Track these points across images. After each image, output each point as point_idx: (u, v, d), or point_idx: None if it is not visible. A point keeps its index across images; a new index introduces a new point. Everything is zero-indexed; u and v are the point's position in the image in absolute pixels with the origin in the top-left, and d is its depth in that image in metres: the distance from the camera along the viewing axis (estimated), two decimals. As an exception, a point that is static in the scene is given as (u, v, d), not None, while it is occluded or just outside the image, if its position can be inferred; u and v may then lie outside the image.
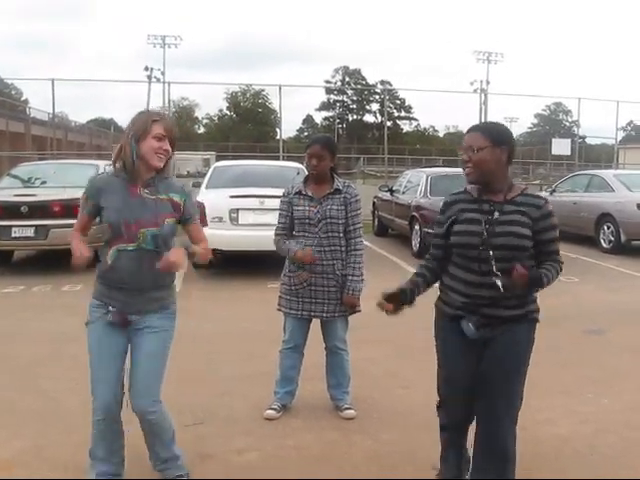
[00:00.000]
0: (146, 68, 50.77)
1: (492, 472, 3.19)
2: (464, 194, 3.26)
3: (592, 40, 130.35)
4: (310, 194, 4.43)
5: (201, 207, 9.64)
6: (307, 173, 4.60)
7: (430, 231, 10.84)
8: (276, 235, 4.57)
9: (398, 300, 3.31)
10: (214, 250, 9.65)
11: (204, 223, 9.53)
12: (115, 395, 3.34)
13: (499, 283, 3.02)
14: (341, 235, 4.43)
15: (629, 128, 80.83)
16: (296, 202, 4.44)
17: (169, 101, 26.48)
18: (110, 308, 3.29)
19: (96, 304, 3.37)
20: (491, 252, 3.04)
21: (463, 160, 3.12)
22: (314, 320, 4.58)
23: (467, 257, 3.13)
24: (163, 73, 51.29)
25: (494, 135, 3.08)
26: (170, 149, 3.21)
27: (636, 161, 30.24)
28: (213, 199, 9.77)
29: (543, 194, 16.38)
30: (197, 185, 11.24)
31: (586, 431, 4.39)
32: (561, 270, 3.20)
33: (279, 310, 4.60)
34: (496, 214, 3.09)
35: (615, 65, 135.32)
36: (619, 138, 31.37)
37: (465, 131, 3.23)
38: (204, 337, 6.55)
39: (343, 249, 4.45)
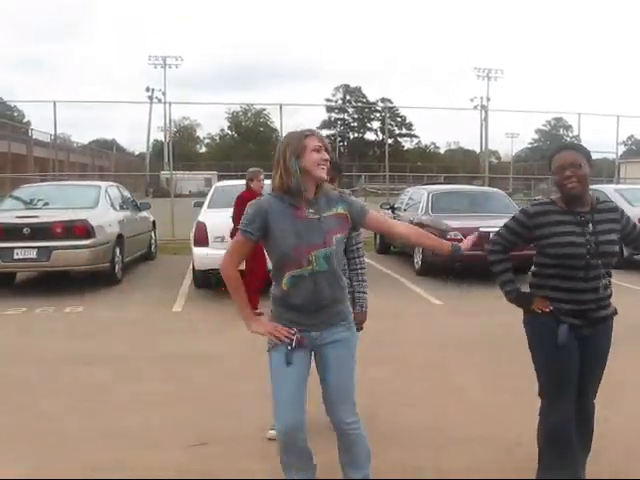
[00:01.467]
0: (147, 89, 51.31)
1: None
2: (552, 205, 3.48)
3: (592, 55, 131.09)
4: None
5: (203, 227, 9.66)
6: None
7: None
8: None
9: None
10: (217, 270, 9.67)
11: (206, 243, 9.54)
12: (298, 417, 3.32)
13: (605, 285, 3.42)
14: (344, 253, 4.41)
15: (630, 142, 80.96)
16: None
17: (170, 121, 26.71)
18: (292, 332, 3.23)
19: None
20: (598, 260, 3.36)
21: (566, 176, 3.33)
22: None
23: (571, 267, 3.37)
24: (164, 93, 51.83)
25: (587, 154, 3.42)
26: (328, 158, 3.20)
27: (637, 175, 30.27)
28: (215, 219, 9.79)
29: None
30: (199, 205, 11.27)
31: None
32: None
33: None
34: (590, 225, 3.39)
35: (615, 80, 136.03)
36: (620, 152, 31.37)
37: (556, 150, 3.48)
38: (207, 357, 6.53)
39: (345, 267, 4.42)
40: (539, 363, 3.54)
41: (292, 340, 3.20)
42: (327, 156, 3.17)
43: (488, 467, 3.92)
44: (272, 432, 4.52)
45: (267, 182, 8.68)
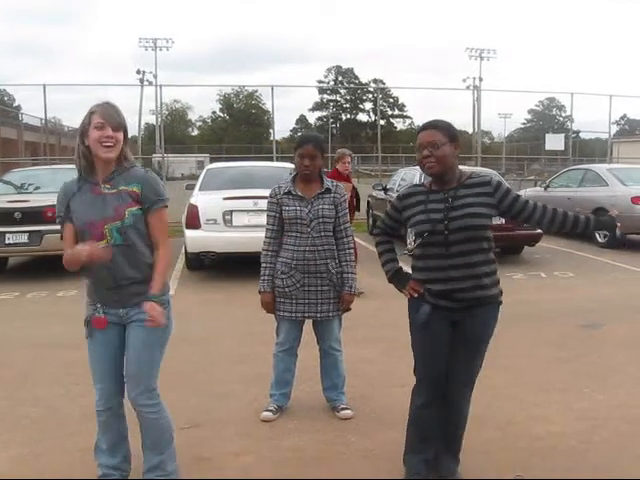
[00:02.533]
0: (138, 71, 50.71)
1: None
2: (419, 187, 3.49)
3: (584, 35, 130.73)
4: (300, 194, 4.40)
5: (195, 209, 9.64)
6: (295, 173, 4.55)
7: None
8: (265, 243, 4.51)
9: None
10: (209, 252, 9.71)
11: (198, 225, 9.53)
12: (111, 387, 3.39)
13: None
14: (332, 234, 4.43)
15: (622, 122, 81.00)
16: (286, 202, 4.40)
17: (161, 104, 26.53)
18: (97, 306, 3.32)
19: (87, 302, 3.41)
20: (460, 235, 3.28)
21: (424, 156, 3.29)
22: (307, 321, 4.57)
23: (432, 244, 3.33)
24: (155, 76, 51.33)
25: (449, 131, 3.33)
26: (114, 135, 3.12)
27: (630, 155, 30.28)
28: (207, 201, 9.78)
29: (538, 189, 16.41)
30: (191, 187, 11.24)
31: (581, 427, 4.38)
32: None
33: (279, 314, 4.57)
34: (450, 200, 3.32)
35: (607, 59, 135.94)
36: (613, 132, 31.42)
37: (419, 129, 3.42)
38: (199, 339, 6.54)
39: (334, 247, 4.44)
40: (411, 344, 3.55)
41: (97, 309, 3.34)
42: (110, 133, 3.11)
43: (478, 445, 3.94)
44: (266, 414, 4.55)
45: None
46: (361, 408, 4.67)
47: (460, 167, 3.48)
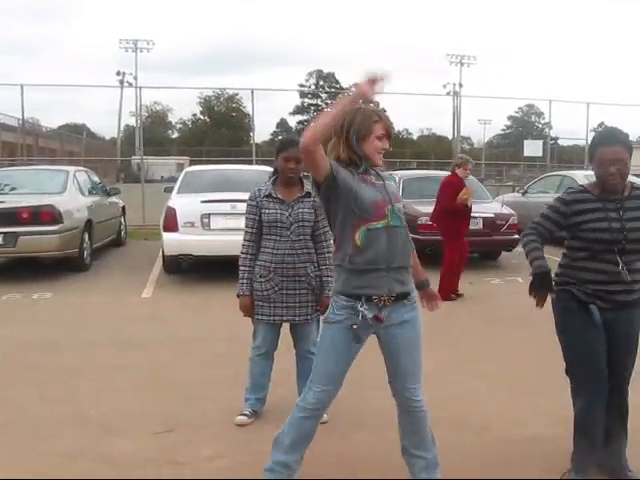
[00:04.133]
0: (118, 73, 50.56)
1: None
2: (586, 193, 3.56)
3: (563, 42, 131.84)
4: (281, 197, 4.38)
5: (172, 212, 9.59)
6: (275, 176, 4.52)
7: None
8: (244, 246, 4.47)
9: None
10: (186, 255, 9.66)
11: (176, 228, 9.48)
12: (335, 389, 3.38)
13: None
14: (310, 238, 4.41)
15: (600, 129, 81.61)
16: (266, 205, 4.37)
17: (141, 106, 26.39)
18: (359, 307, 3.20)
19: (344, 303, 3.26)
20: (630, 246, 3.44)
21: (611, 173, 3.41)
22: (283, 325, 4.55)
23: (606, 251, 3.45)
24: (135, 78, 51.21)
25: (630, 147, 3.46)
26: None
27: (607, 162, 30.32)
28: (184, 204, 9.74)
29: (516, 195, 16.50)
30: (169, 190, 11.18)
31: (558, 431, 4.39)
32: None
33: (249, 317, 4.56)
34: (621, 212, 3.46)
35: (585, 67, 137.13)
36: (590, 139, 31.65)
37: (601, 140, 3.50)
38: (175, 343, 6.49)
39: (312, 251, 4.43)
40: (564, 344, 3.72)
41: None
42: (387, 145, 3.28)
43: (454, 450, 3.93)
44: (240, 418, 4.52)
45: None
46: (337, 412, 4.63)
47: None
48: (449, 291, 8.59)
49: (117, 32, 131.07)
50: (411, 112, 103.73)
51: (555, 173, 16.81)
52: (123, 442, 4.22)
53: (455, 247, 8.80)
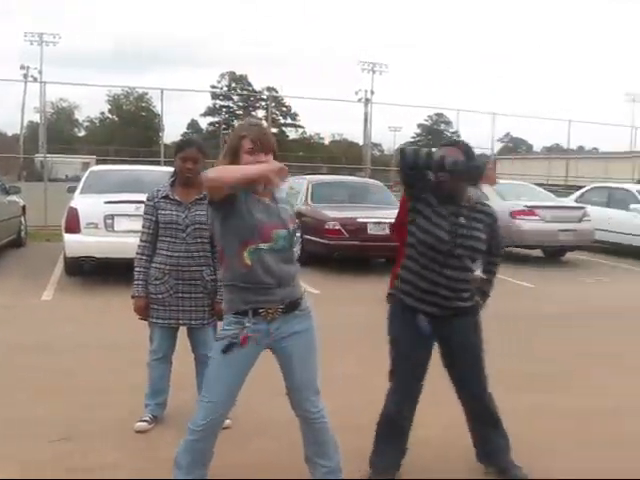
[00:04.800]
0: (22, 67, 48.92)
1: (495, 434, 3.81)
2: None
3: (469, 53, 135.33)
4: (178, 199, 4.32)
5: (74, 212, 9.32)
6: (174, 177, 4.44)
7: (312, 239, 10.90)
8: (139, 246, 4.40)
9: None
10: (89, 257, 9.39)
11: (78, 229, 9.21)
12: (227, 405, 3.32)
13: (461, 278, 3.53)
14: (208, 241, 4.35)
15: (506, 139, 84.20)
16: (162, 206, 4.30)
17: (45, 102, 25.58)
18: (245, 322, 3.18)
19: (231, 320, 3.23)
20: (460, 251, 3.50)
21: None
22: (181, 328, 4.49)
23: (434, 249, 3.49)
24: (40, 72, 49.62)
25: (470, 152, 3.56)
26: (266, 159, 3.15)
27: (511, 172, 31.45)
28: (87, 204, 9.47)
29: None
30: (72, 190, 10.86)
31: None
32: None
33: (144, 320, 4.47)
34: (461, 218, 3.54)
35: (491, 78, 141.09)
36: (497, 149, 32.62)
37: (442, 145, 3.65)
38: (74, 346, 6.31)
39: (209, 255, 4.37)
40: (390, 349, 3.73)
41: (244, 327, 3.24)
42: (262, 158, 3.14)
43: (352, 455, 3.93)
44: (140, 424, 4.42)
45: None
46: (235, 417, 4.59)
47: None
48: None
49: (21, 24, 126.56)
50: (323, 117, 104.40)
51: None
52: (17, 451, 4.05)
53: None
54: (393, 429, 3.73)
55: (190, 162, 4.28)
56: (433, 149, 3.52)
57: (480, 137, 31.29)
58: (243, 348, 3.19)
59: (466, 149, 3.57)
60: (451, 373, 3.76)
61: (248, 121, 3.35)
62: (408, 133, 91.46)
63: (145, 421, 4.45)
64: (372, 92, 55.57)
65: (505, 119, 27.16)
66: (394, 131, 69.55)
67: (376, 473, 3.71)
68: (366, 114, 27.95)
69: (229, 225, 3.15)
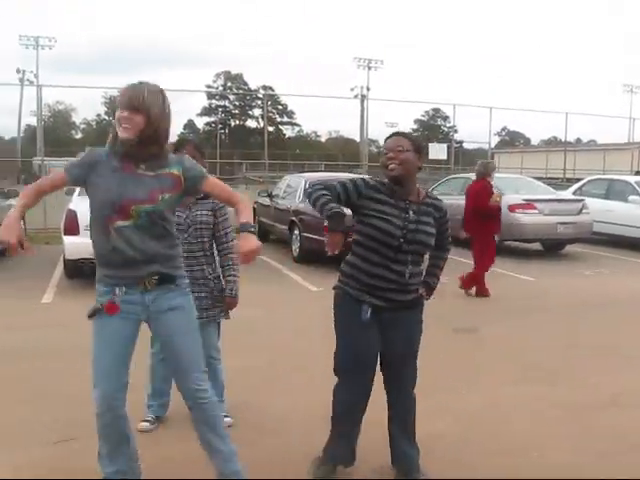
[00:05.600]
0: (18, 70, 48.83)
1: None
2: (381, 185, 3.56)
3: (466, 48, 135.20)
4: None
5: (73, 215, 9.30)
6: None
7: (310, 236, 10.90)
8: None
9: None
10: (88, 259, 9.37)
11: (77, 231, 9.20)
12: (117, 386, 3.21)
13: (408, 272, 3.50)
14: (209, 240, 4.37)
15: (504, 133, 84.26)
16: None
17: (42, 105, 25.56)
18: (117, 291, 3.12)
19: (102, 290, 3.18)
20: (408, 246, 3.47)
21: (388, 158, 3.48)
22: None
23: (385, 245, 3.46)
24: (36, 75, 49.52)
25: (417, 143, 3.58)
26: (129, 116, 2.97)
27: (509, 165, 31.56)
28: (86, 207, 9.31)
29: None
30: (70, 193, 10.83)
31: (459, 428, 4.49)
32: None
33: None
34: (411, 213, 3.50)
35: (488, 72, 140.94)
36: (494, 143, 32.65)
37: (388, 136, 3.62)
38: (76, 348, 6.29)
39: (209, 253, 4.38)
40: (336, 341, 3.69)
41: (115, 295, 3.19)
42: (126, 114, 2.99)
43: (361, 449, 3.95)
44: (143, 424, 4.44)
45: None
46: (242, 416, 4.61)
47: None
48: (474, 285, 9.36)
49: (17, 28, 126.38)
50: (319, 115, 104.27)
51: (459, 175, 17.22)
52: (22, 454, 4.07)
53: (490, 248, 9.32)
54: (344, 423, 3.72)
55: None
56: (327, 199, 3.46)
57: (478, 131, 31.35)
58: (112, 317, 3.14)
59: (414, 139, 3.60)
60: (384, 365, 3.70)
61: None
62: (405, 129, 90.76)
63: (148, 421, 4.46)
64: (368, 88, 55.56)
65: (502, 113, 27.31)
66: (391, 127, 69.08)
67: (324, 461, 3.74)
68: (362, 110, 27.85)
69: (90, 198, 3.16)
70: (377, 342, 3.58)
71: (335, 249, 3.41)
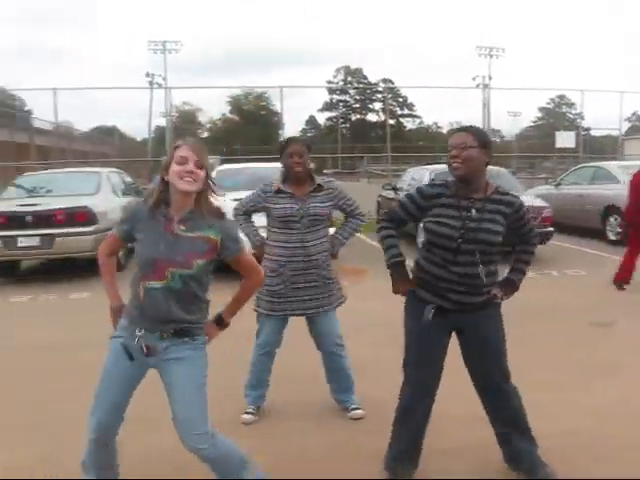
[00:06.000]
0: (147, 74, 50.82)
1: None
2: (444, 188, 3.49)
3: (594, 31, 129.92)
4: (290, 192, 4.43)
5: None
6: (284, 175, 4.56)
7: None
8: (236, 210, 4.70)
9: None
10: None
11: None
12: (114, 419, 3.25)
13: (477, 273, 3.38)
14: (322, 227, 4.50)
15: (634, 118, 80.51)
16: (275, 201, 4.44)
17: (170, 106, 26.59)
18: (137, 332, 3.15)
19: (124, 324, 3.24)
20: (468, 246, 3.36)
21: (452, 156, 3.36)
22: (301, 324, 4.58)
23: (443, 247, 3.39)
24: (165, 79, 51.31)
25: (482, 137, 3.40)
26: (196, 171, 3.02)
27: (640, 152, 30.06)
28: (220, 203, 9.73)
29: (549, 187, 16.31)
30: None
31: (590, 424, 4.35)
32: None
33: (256, 311, 4.54)
34: (473, 211, 3.38)
35: (618, 56, 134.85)
36: (624, 129, 31.25)
37: (452, 131, 3.54)
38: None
39: (324, 240, 4.49)
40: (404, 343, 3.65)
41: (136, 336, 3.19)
42: (192, 168, 3.01)
43: (475, 444, 3.90)
44: (246, 417, 4.57)
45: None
46: (372, 408, 4.62)
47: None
48: (624, 279, 8.94)
49: (145, 34, 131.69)
50: (440, 106, 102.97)
51: (588, 164, 16.57)
52: (161, 438, 4.24)
53: None
54: (407, 423, 3.65)
55: (297, 156, 4.39)
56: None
57: (607, 118, 30.11)
58: (140, 358, 3.15)
59: (478, 134, 3.42)
60: (467, 367, 3.63)
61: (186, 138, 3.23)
62: (529, 117, 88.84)
63: (250, 413, 4.58)
64: (490, 77, 54.32)
65: (632, 97, 25.94)
66: (514, 116, 67.72)
67: (389, 466, 3.68)
68: (484, 100, 27.33)
69: (136, 252, 3.20)
70: (441, 343, 3.53)
71: (399, 294, 3.55)
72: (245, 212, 4.67)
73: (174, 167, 3.03)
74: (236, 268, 3.25)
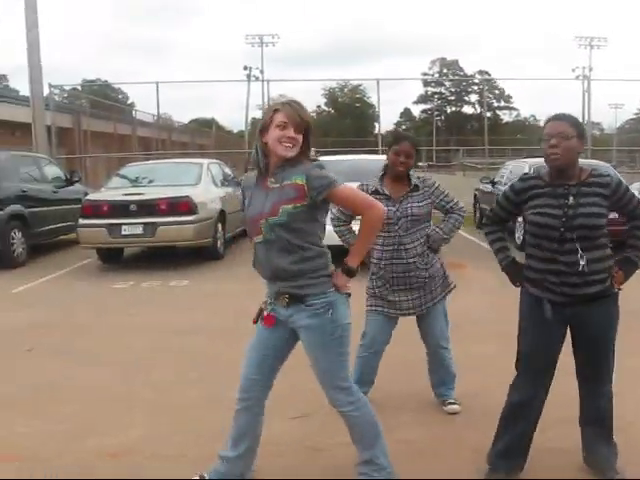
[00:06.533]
0: (245, 67, 51.71)
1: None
2: (537, 179, 3.43)
3: None
4: (387, 193, 4.33)
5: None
6: (383, 172, 4.47)
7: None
8: (334, 221, 4.44)
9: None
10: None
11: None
12: (256, 380, 3.38)
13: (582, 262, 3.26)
14: (421, 228, 4.36)
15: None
16: None
17: (268, 99, 26.87)
18: (268, 301, 3.33)
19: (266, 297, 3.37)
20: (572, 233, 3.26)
21: (550, 146, 3.26)
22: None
23: (547, 238, 3.31)
24: (262, 72, 52.03)
25: (579, 127, 3.32)
26: (296, 136, 3.06)
27: None
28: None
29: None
30: None
31: None
32: None
33: (370, 309, 4.50)
34: (570, 198, 3.29)
35: None
36: None
37: (548, 119, 3.38)
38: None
39: (423, 241, 4.36)
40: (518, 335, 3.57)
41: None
42: (292, 134, 3.04)
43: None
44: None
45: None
46: (471, 404, 4.58)
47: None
48: None
49: (243, 28, 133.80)
50: (538, 98, 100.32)
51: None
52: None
53: None
54: (521, 418, 3.54)
55: (403, 156, 4.28)
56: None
57: None
58: (265, 324, 3.28)
59: (576, 123, 3.31)
60: (575, 361, 3.53)
61: (283, 97, 3.21)
62: (631, 109, 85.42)
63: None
64: (590, 68, 52.68)
65: None
66: (615, 108, 65.43)
67: (494, 467, 3.58)
68: (584, 92, 26.43)
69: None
70: (557, 340, 3.43)
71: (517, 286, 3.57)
72: (344, 220, 4.45)
73: (274, 132, 3.06)
74: (344, 207, 3.45)
